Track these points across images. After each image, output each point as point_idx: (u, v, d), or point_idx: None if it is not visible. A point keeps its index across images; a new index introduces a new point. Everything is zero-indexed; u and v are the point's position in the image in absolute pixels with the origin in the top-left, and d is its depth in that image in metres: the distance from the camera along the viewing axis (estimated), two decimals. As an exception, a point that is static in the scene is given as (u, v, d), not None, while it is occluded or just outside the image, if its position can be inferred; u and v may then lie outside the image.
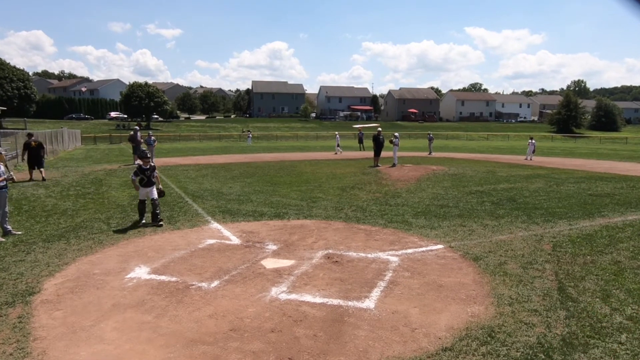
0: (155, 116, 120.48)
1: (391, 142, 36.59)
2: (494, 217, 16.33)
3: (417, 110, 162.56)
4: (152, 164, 15.60)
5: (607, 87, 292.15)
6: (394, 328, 7.63)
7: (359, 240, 13.31)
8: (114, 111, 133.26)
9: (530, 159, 43.18)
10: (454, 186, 24.06)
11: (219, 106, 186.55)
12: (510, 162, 41.12)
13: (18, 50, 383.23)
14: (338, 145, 53.64)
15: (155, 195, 15.41)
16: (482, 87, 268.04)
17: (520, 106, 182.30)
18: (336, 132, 57.91)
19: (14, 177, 15.34)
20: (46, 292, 9.23)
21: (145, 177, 15.19)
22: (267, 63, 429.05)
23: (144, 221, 15.33)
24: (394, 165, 34.98)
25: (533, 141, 45.18)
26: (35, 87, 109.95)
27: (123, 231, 14.36)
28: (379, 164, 35.14)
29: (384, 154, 36.39)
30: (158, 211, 15.36)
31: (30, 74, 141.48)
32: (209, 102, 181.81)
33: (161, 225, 14.99)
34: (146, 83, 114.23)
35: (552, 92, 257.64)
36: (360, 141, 58.58)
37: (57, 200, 19.78)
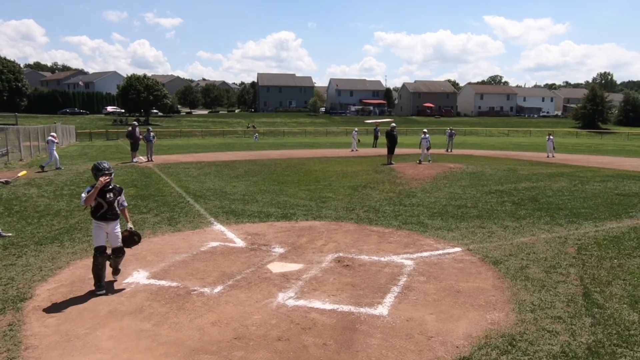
0: (155, 111, 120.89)
1: (428, 149, 36.76)
2: (514, 218, 16.28)
3: (433, 105, 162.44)
4: (118, 186, 10.35)
5: (635, 79, 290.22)
6: (409, 336, 7.62)
7: (372, 242, 13.30)
8: (110, 105, 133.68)
9: (553, 156, 43.18)
10: (472, 185, 24.05)
11: (222, 100, 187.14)
12: (532, 159, 41.08)
13: (8, 41, 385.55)
14: (356, 141, 53.30)
15: (118, 242, 9.96)
16: (502, 80, 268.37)
17: (543, 100, 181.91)
18: (355, 128, 57.72)
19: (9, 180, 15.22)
20: (38, 298, 9.25)
21: (105, 203, 9.65)
22: (273, 54, 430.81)
23: (104, 291, 9.54)
24: (421, 161, 35.30)
25: (552, 137, 45.11)
26: (27, 80, 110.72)
27: (120, 233, 14.34)
28: (392, 162, 35.11)
29: (402, 150, 36.35)
30: (117, 274, 10.30)
31: (22, 65, 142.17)
32: (211, 95, 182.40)
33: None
34: (145, 75, 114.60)
35: (577, 85, 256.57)
36: (376, 137, 58.43)
37: (50, 200, 19.84)
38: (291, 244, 13.09)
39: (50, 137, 32.89)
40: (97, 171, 9.63)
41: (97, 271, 9.56)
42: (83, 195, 9.44)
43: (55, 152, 32.38)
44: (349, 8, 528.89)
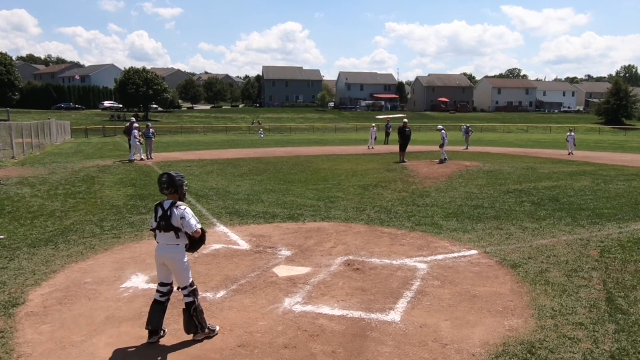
0: (154, 106, 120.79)
1: (441, 145, 36.20)
2: (534, 219, 16.27)
3: (448, 99, 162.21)
4: None
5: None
6: (422, 343, 7.62)
7: (383, 245, 13.31)
8: (107, 100, 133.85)
9: (572, 153, 43.12)
10: (489, 184, 24.03)
11: (225, 94, 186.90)
12: (553, 157, 41.00)
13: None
14: (374, 138, 52.93)
15: None
16: (521, 73, 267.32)
17: (564, 94, 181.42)
18: (373, 124, 57.52)
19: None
20: (31, 304, 9.27)
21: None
22: (279, 46, 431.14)
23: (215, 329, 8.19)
24: (442, 160, 34.62)
25: (572, 134, 44.97)
26: (19, 73, 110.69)
27: (118, 235, 14.41)
28: (405, 160, 35.06)
29: (415, 148, 36.17)
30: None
31: (13, 58, 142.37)
32: (214, 90, 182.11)
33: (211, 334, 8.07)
34: (143, 68, 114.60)
35: (600, 79, 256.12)
36: (387, 134, 58.28)
37: (43, 200, 19.89)
38: (298, 247, 13.12)
39: (135, 132, 36.23)
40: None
41: (201, 315, 7.97)
42: (195, 222, 7.79)
43: (138, 144, 36.45)
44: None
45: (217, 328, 8.10)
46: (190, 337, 7.79)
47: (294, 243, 13.48)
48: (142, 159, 36.53)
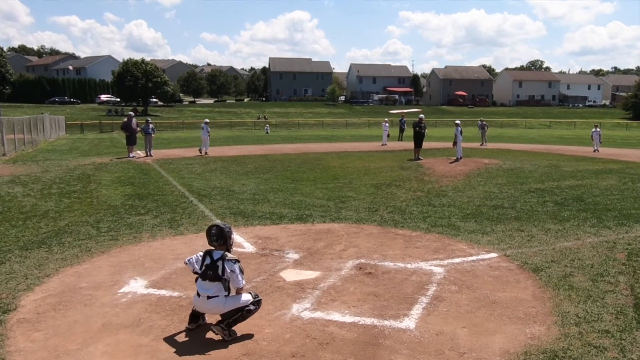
0: (154, 100, 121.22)
1: (454, 144, 35.67)
2: (557, 220, 16.21)
3: (465, 93, 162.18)
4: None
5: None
6: (439, 352, 7.59)
7: (397, 247, 13.29)
8: (104, 94, 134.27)
9: (597, 150, 43.05)
10: (509, 183, 23.96)
11: (229, 88, 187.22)
12: (577, 154, 40.92)
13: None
14: (387, 136, 53.38)
15: None
16: (543, 66, 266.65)
17: (589, 88, 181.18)
18: (385, 119, 57.59)
19: None
20: (24, 310, 9.25)
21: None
22: (286, 36, 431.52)
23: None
24: (457, 159, 34.15)
25: (598, 129, 44.88)
26: (11, 65, 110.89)
27: (115, 237, 14.39)
28: (420, 157, 35.06)
29: (431, 144, 36.05)
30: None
31: (4, 49, 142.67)
32: (217, 83, 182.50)
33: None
34: (142, 60, 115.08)
35: (627, 71, 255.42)
36: (402, 130, 58.24)
37: (37, 200, 19.93)
38: (307, 249, 13.10)
39: (204, 125, 41.73)
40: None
41: (244, 320, 8.33)
42: (241, 278, 8.18)
43: (207, 138, 41.34)
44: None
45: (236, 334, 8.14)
46: (189, 348, 7.80)
47: (302, 245, 13.47)
48: (206, 153, 39.77)
